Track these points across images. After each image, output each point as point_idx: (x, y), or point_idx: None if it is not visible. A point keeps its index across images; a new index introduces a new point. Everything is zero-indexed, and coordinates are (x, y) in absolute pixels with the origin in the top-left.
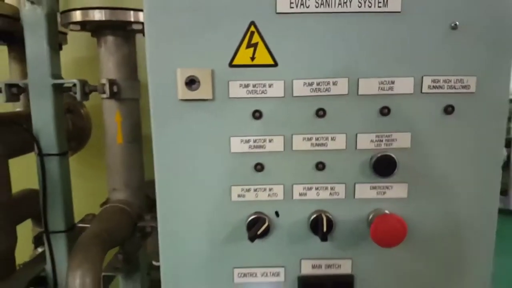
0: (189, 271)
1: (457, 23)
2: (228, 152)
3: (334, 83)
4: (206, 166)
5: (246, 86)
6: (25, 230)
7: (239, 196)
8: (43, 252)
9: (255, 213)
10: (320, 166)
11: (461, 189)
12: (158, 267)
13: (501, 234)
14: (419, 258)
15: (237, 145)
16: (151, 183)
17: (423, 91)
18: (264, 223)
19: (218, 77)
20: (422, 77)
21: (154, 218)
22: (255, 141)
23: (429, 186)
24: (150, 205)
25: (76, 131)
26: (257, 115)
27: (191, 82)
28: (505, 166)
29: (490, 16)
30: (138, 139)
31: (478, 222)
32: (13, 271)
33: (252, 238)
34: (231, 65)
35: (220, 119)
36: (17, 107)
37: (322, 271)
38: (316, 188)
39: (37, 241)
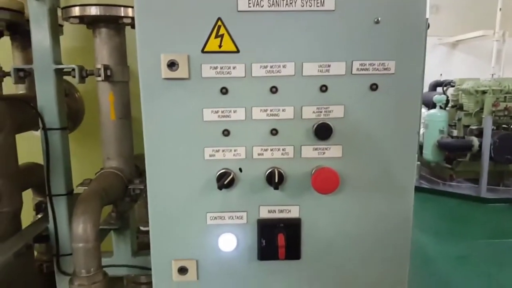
0: (171, 215)
1: (379, 18)
2: (201, 120)
3: (284, 66)
4: (184, 132)
5: (215, 68)
6: (26, 200)
7: (210, 155)
8: (44, 216)
9: (223, 169)
10: (274, 132)
11: (384, 148)
12: (145, 232)
13: (472, 219)
14: (352, 203)
15: (208, 115)
16: (139, 156)
17: (353, 72)
18: (229, 175)
19: (193, 60)
20: (352, 62)
21: (143, 183)
22: (222, 112)
23: (358, 147)
24: (138, 173)
25: (71, 113)
26: (224, 91)
27: (172, 65)
28: (476, 156)
29: (405, 12)
30: (128, 116)
31: (398, 173)
32: (19, 230)
33: (220, 187)
34: (203, 51)
35: (195, 94)
36: (20, 90)
37: (276, 215)
38: (271, 150)
39: (38, 208)
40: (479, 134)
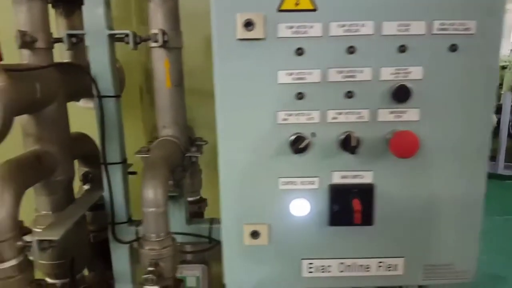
0: (243, 181)
1: None
2: (275, 83)
3: (362, 25)
4: (257, 95)
5: (291, 27)
6: None
7: (283, 120)
8: (95, 185)
9: (296, 133)
10: (349, 95)
11: (460, 111)
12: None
13: (489, 196)
14: (427, 169)
15: (282, 77)
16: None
17: (432, 32)
18: (305, 140)
19: (268, 20)
20: (433, 21)
21: (199, 151)
22: (297, 74)
23: (436, 110)
24: (191, 143)
25: None
26: (299, 52)
27: (248, 24)
28: (494, 133)
29: None
30: (182, 83)
31: (474, 138)
32: (72, 199)
33: (296, 151)
34: (279, 10)
35: (270, 55)
36: (64, 59)
37: (348, 181)
38: (346, 113)
39: (85, 178)
40: (498, 110)
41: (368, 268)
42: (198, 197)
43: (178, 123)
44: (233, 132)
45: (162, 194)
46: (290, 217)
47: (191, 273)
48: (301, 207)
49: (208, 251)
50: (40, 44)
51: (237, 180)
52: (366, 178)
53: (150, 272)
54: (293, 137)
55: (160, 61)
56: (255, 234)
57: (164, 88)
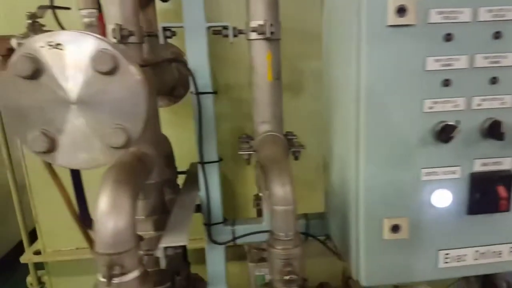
0: (385, 173)
1: None
2: (422, 70)
3: (509, 10)
4: (405, 82)
5: (441, 13)
6: None
7: (429, 108)
8: (191, 186)
9: (442, 121)
10: (494, 81)
11: None
12: None
13: None
14: None
15: (431, 63)
16: None
17: None
18: (455, 128)
19: (419, 5)
20: None
21: (301, 146)
22: (445, 60)
23: None
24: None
25: (182, 78)
26: (448, 37)
27: (401, 10)
28: None
29: None
30: (280, 76)
31: None
32: (164, 203)
33: (445, 140)
34: None
35: (419, 41)
36: None
37: (489, 168)
38: (490, 100)
39: None
40: None
41: (500, 254)
42: None
43: (276, 117)
44: (378, 121)
45: (291, 191)
46: (431, 208)
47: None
48: (442, 198)
49: None
50: (133, 38)
51: (380, 174)
52: (505, 164)
53: (289, 272)
54: (442, 125)
55: (262, 54)
56: (395, 228)
57: (265, 82)
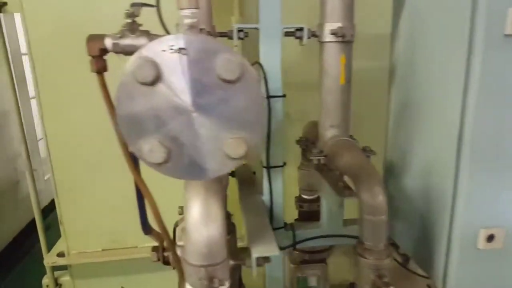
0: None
1: None
2: None
3: None
4: None
5: None
6: None
7: None
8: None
9: None
10: None
11: None
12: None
13: None
14: None
15: None
16: None
17: None
18: None
19: None
20: None
21: (372, 152)
22: None
23: None
24: None
25: None
26: None
27: None
28: None
29: None
30: (351, 79)
31: None
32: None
33: None
34: None
35: None
36: None
37: None
38: None
39: None
40: None
41: None
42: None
43: (346, 122)
44: (487, 132)
45: (383, 201)
46: None
47: (312, 273)
48: None
49: (328, 251)
50: None
51: (482, 183)
52: None
53: (385, 284)
54: None
55: (336, 56)
56: (490, 238)
57: (337, 85)
